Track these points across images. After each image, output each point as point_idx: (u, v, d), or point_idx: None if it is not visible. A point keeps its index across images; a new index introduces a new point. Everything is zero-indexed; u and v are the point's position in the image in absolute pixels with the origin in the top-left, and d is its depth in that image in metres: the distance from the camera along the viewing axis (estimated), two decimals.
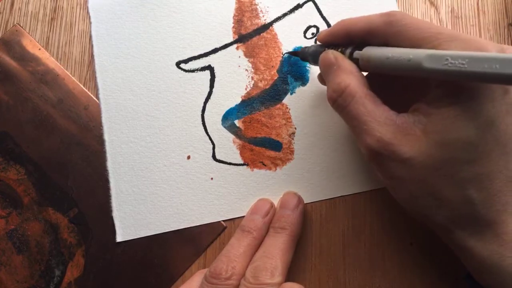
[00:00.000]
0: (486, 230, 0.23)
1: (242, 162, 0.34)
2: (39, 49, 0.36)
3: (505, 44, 0.35)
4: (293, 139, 0.34)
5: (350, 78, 0.26)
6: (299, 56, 0.33)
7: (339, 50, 0.28)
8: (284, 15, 0.36)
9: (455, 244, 0.24)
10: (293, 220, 0.30)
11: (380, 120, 0.24)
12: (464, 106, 0.22)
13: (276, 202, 0.33)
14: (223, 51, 0.36)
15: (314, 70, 0.35)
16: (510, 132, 0.22)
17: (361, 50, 0.26)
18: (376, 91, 0.26)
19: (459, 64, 0.20)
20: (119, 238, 0.33)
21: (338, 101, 0.26)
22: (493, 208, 0.22)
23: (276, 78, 0.35)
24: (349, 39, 0.28)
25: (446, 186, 0.23)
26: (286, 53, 0.35)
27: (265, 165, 0.34)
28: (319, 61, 0.28)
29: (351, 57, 0.27)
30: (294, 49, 0.35)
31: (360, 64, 0.26)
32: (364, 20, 0.26)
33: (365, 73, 0.27)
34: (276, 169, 0.34)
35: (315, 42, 0.35)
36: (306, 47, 0.32)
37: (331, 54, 0.27)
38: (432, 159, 0.22)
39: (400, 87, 0.28)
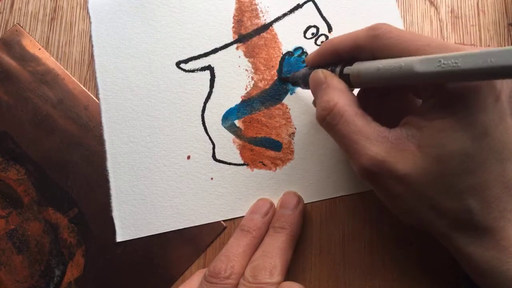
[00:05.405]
0: (485, 237, 0.23)
1: (242, 162, 0.34)
2: (39, 49, 0.37)
3: (505, 44, 0.35)
4: (293, 139, 0.34)
5: (339, 96, 0.25)
6: (290, 82, 0.33)
7: (329, 69, 0.27)
8: (284, 15, 0.36)
9: (455, 250, 0.24)
10: (292, 220, 0.30)
11: (372, 138, 0.23)
12: (457, 118, 0.22)
13: (276, 202, 0.33)
14: (223, 51, 0.36)
15: None
16: (504, 140, 0.22)
17: (351, 65, 0.26)
18: (366, 108, 0.25)
19: (452, 64, 0.20)
20: (119, 238, 0.34)
21: (327, 120, 0.25)
22: (491, 216, 0.22)
23: (276, 78, 0.35)
24: (337, 58, 0.27)
25: (445, 198, 0.23)
26: (277, 78, 0.35)
27: (265, 165, 0.34)
28: (309, 81, 0.28)
29: (341, 75, 0.26)
30: (294, 48, 0.35)
31: (351, 80, 0.26)
32: (350, 37, 0.26)
33: (355, 91, 0.27)
34: (276, 169, 0.34)
35: (315, 42, 0.35)
36: (295, 72, 0.32)
37: (321, 73, 0.27)
38: (429, 174, 0.22)
39: (389, 103, 0.28)
